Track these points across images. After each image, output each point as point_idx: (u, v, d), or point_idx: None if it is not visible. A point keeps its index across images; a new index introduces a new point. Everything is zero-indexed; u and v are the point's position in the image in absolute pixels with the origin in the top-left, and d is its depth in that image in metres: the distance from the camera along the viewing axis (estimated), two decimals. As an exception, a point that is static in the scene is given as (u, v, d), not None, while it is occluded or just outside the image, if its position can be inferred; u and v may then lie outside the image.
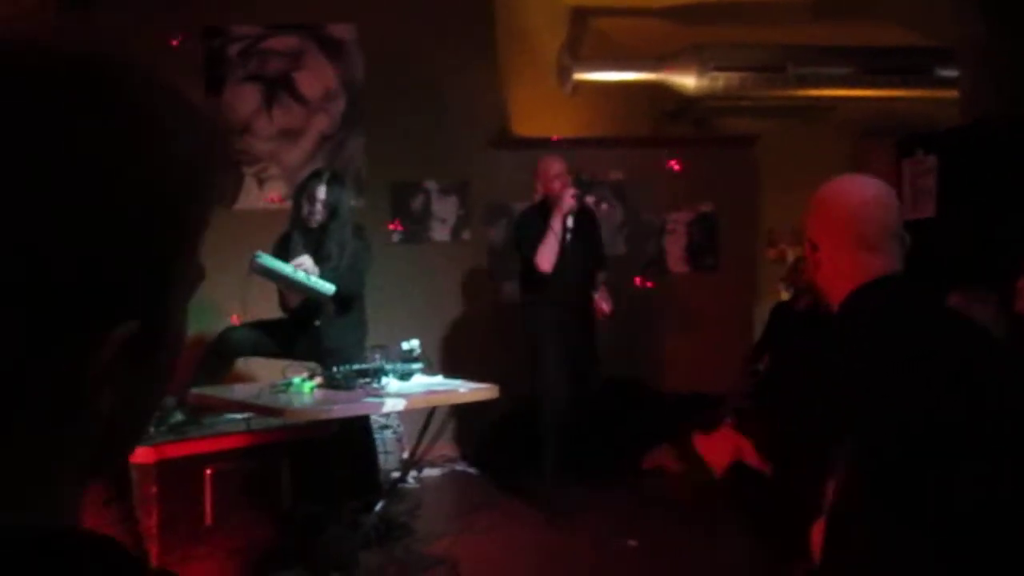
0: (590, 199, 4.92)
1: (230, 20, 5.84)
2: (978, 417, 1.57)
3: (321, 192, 4.18)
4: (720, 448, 1.78)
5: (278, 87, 5.91)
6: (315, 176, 4.30)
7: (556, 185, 4.65)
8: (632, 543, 4.10)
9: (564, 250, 4.60)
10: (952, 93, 5.72)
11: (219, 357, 4.14)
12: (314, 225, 4.20)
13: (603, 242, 5.06)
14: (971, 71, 5.30)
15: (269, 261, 3.91)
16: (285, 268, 3.97)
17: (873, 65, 6.33)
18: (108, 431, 0.52)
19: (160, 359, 0.54)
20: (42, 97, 0.47)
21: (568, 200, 4.60)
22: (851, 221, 1.70)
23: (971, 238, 4.34)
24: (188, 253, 0.53)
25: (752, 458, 1.74)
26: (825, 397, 1.67)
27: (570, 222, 4.66)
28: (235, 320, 4.73)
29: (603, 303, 4.73)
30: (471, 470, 5.66)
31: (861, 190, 1.74)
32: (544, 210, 4.72)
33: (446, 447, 5.54)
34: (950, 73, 5.88)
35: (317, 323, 4.18)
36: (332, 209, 4.18)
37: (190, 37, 5.73)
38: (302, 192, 4.27)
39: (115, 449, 0.55)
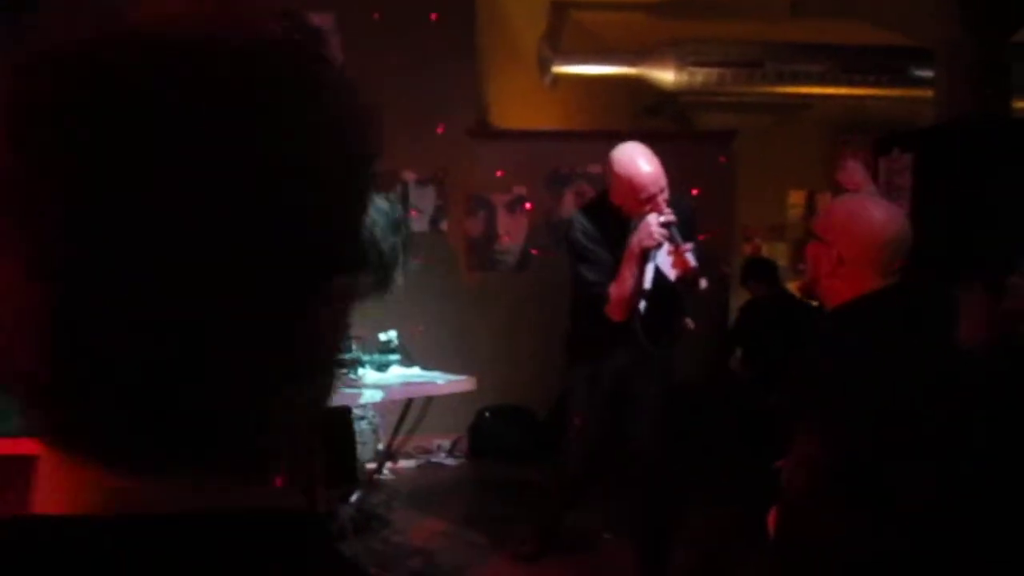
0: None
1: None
2: (938, 422, 1.81)
3: None
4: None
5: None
6: None
7: (643, 207, 3.34)
8: (607, 535, 4.11)
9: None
10: (927, 92, 5.78)
11: None
12: None
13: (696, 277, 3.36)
14: (947, 71, 5.35)
15: None
16: None
17: (850, 63, 6.38)
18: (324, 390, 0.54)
19: (345, 322, 0.55)
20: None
21: (649, 232, 3.25)
22: (883, 251, 1.92)
23: (946, 235, 4.39)
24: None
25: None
26: (808, 386, 1.92)
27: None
28: None
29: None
30: (448, 462, 5.66)
31: (896, 224, 1.95)
32: (606, 212, 3.41)
33: (422, 439, 5.53)
34: (926, 73, 5.94)
35: None
36: None
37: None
38: None
39: (323, 409, 0.57)
